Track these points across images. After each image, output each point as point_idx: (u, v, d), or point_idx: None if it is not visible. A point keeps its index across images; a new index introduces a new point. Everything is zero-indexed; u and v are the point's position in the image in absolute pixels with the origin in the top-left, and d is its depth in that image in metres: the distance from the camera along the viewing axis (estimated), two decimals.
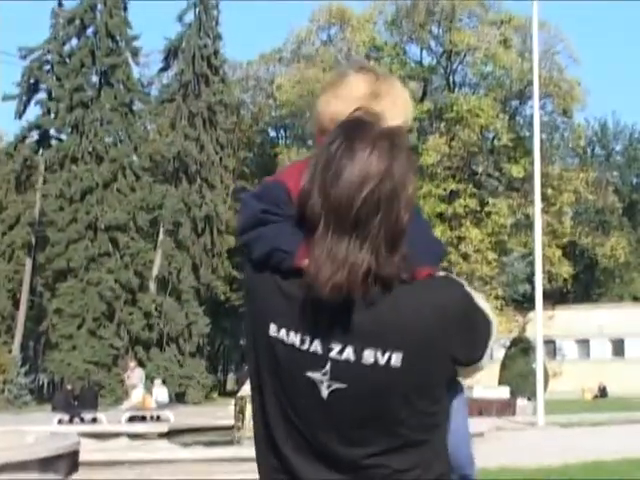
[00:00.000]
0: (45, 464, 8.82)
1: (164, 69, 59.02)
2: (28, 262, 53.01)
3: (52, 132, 54.92)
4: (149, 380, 33.49)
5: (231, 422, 13.85)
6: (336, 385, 1.87)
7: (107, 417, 20.41)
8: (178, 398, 46.66)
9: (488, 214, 53.00)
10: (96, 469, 10.40)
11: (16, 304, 52.82)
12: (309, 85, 52.80)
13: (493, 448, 14.75)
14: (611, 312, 57.93)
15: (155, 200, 52.13)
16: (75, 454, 9.79)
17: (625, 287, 69.73)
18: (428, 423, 1.92)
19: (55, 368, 48.82)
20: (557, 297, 57.76)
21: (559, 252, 54.36)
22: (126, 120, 52.57)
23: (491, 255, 51.47)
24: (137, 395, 27.69)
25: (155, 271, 52.51)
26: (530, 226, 37.47)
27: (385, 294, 1.85)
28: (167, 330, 50.93)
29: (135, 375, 29.49)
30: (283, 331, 1.92)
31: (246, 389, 13.32)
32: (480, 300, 2.00)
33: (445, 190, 52.25)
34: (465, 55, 56.01)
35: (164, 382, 35.39)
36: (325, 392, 1.88)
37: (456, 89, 57.68)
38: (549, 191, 50.86)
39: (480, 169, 55.77)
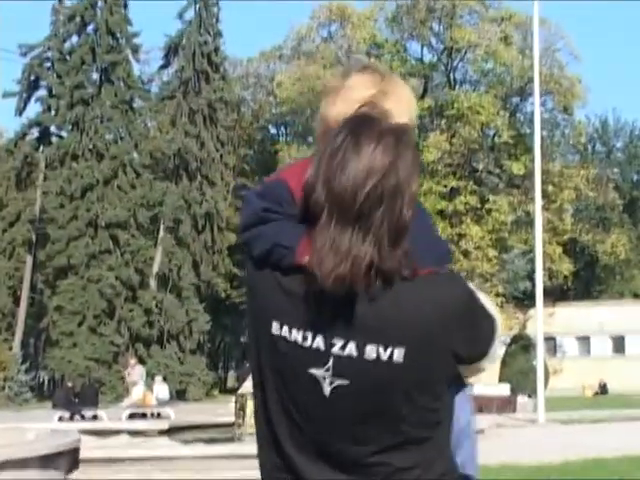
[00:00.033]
0: (45, 461, 8.83)
1: (164, 66, 59.05)
2: (28, 259, 53.02)
3: (52, 129, 54.93)
4: (150, 377, 33.50)
5: (232, 419, 13.86)
6: (338, 382, 1.87)
7: (108, 414, 20.42)
8: (179, 395, 46.69)
9: (489, 211, 53.00)
10: (96, 466, 10.40)
11: (17, 301, 52.83)
12: (309, 82, 52.79)
13: (493, 445, 14.75)
14: (611, 309, 57.91)
15: (155, 197, 52.13)
16: (75, 451, 9.80)
17: (626, 284, 69.71)
18: (430, 420, 1.92)
19: (56, 365, 48.83)
20: (557, 294, 57.74)
21: (559, 249, 54.36)
22: (126, 117, 52.56)
23: (491, 252, 51.47)
24: (137, 392, 27.69)
25: (155, 268, 52.52)
26: (531, 223, 37.46)
27: (386, 289, 1.84)
28: (167, 327, 50.94)
29: (135, 372, 29.49)
30: (285, 328, 1.92)
31: (247, 386, 13.34)
32: (484, 298, 2.00)
33: (446, 187, 52.24)
34: (466, 52, 55.99)
35: (165, 379, 35.38)
36: (327, 389, 1.88)
37: (457, 86, 57.65)
38: (550, 188, 50.87)
39: (481, 166, 55.74)
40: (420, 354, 1.86)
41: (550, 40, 52.45)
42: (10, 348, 50.39)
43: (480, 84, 57.68)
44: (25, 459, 8.50)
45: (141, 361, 39.71)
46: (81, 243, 49.73)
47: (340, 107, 2.10)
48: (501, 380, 35.23)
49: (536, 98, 28.49)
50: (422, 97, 53.09)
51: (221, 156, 55.99)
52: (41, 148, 53.96)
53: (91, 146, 51.14)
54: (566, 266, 54.63)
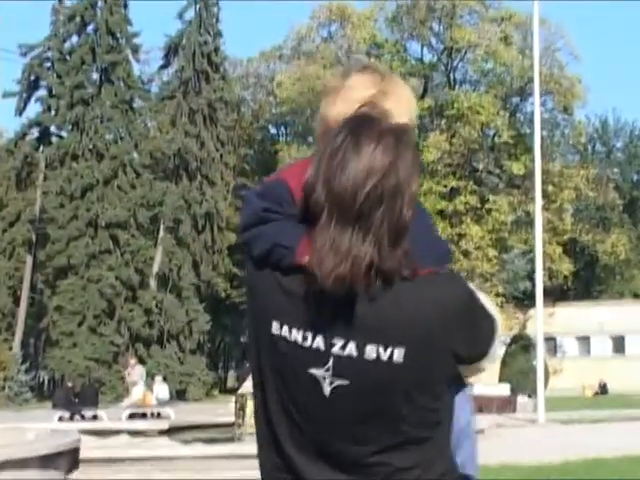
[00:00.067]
0: (45, 461, 8.83)
1: (164, 66, 59.05)
2: (28, 259, 53.03)
3: (52, 129, 54.93)
4: (149, 377, 33.50)
5: (232, 419, 13.86)
6: (338, 382, 1.87)
7: (107, 414, 20.41)
8: (179, 395, 46.69)
9: (489, 211, 53.01)
10: (96, 466, 10.40)
11: (17, 301, 52.83)
12: (309, 82, 52.80)
13: (493, 445, 14.75)
14: (612, 309, 57.90)
15: (155, 197, 52.13)
16: (75, 451, 9.80)
17: (626, 284, 69.72)
18: (430, 420, 1.92)
19: (56, 365, 48.83)
20: (557, 294, 57.74)
21: (559, 249, 54.37)
22: (126, 117, 52.56)
23: (491, 252, 51.48)
24: (137, 392, 27.70)
25: (155, 268, 52.52)
26: (531, 223, 37.46)
27: (386, 289, 1.84)
28: (167, 327, 50.94)
29: (135, 372, 29.49)
30: (285, 328, 1.92)
31: (247, 386, 13.34)
32: (484, 299, 2.00)
33: (446, 187, 52.25)
34: (466, 52, 55.99)
35: (165, 379, 35.38)
36: (327, 389, 1.88)
37: (457, 86, 57.65)
38: (550, 188, 50.87)
39: (481, 166, 55.74)
40: (420, 354, 1.86)
41: (550, 40, 52.49)
42: (10, 348, 50.39)
43: (480, 84, 57.69)
44: (25, 459, 8.50)
45: (141, 361, 39.71)
46: (81, 243, 49.74)
47: (340, 107, 2.10)
48: (501, 380, 35.24)
49: (536, 98, 28.49)
50: (422, 97, 53.08)
51: (221, 156, 56.00)
52: (41, 148, 53.96)
53: (91, 146, 51.13)
54: (566, 266, 54.63)
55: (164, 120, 56.01)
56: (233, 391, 28.01)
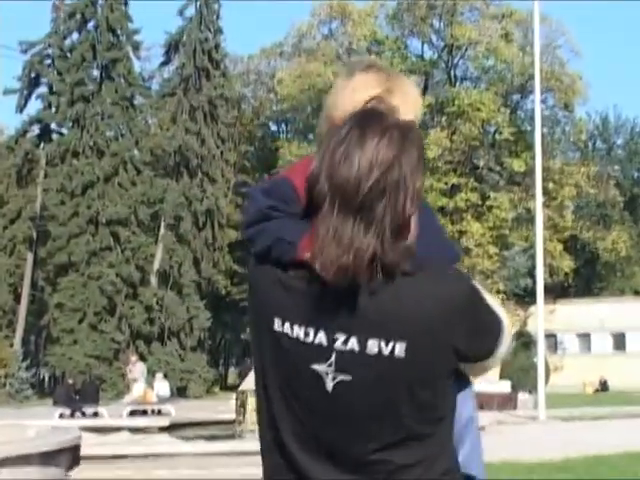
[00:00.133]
0: (46, 458, 8.83)
1: (165, 63, 59.03)
2: (29, 256, 53.03)
3: (53, 126, 54.93)
4: (150, 374, 33.48)
5: (232, 416, 13.86)
6: (341, 377, 1.87)
7: (108, 411, 20.41)
8: (179, 392, 46.69)
9: (489, 208, 53.02)
10: (97, 463, 10.41)
11: (17, 298, 52.85)
12: (310, 79, 52.84)
13: (494, 442, 14.73)
14: (612, 306, 57.90)
15: (156, 194, 52.13)
16: (76, 448, 9.80)
17: (626, 281, 69.72)
18: (432, 416, 1.92)
19: (56, 362, 48.85)
20: (558, 291, 57.76)
21: (560, 246, 54.39)
22: (127, 114, 52.56)
23: (492, 249, 51.49)
24: (138, 389, 27.72)
25: (156, 265, 52.52)
26: (531, 220, 37.45)
27: (387, 283, 1.84)
28: (168, 324, 50.95)
29: (136, 369, 29.52)
30: (287, 325, 1.92)
31: (247, 383, 13.34)
32: (494, 302, 2.00)
33: (446, 184, 52.24)
34: (466, 49, 55.98)
35: (165, 376, 35.40)
36: (330, 384, 1.88)
37: (457, 83, 57.66)
38: (550, 185, 50.87)
39: (481, 163, 55.75)
40: (421, 349, 1.85)
41: (551, 37, 52.53)
42: (11, 345, 50.41)
43: (481, 81, 57.70)
44: (26, 456, 8.50)
45: (142, 358, 39.69)
46: (82, 240, 49.74)
47: (345, 106, 2.09)
48: (502, 377, 35.23)
49: (537, 95, 28.47)
50: (423, 94, 52.59)
51: (222, 153, 55.98)
52: (42, 145, 53.95)
53: (92, 143, 51.11)
54: (567, 263, 54.65)
55: (165, 117, 56.00)
56: (234, 388, 28.05)
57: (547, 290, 30.64)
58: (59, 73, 52.94)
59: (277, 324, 1.94)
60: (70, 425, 13.88)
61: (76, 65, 52.22)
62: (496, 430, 18.43)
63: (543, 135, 33.80)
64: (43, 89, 54.70)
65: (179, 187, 53.37)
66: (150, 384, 29.91)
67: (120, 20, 53.01)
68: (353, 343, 1.86)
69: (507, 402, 29.56)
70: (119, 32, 53.54)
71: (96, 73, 53.67)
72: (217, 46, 56.80)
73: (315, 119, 55.95)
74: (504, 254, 52.74)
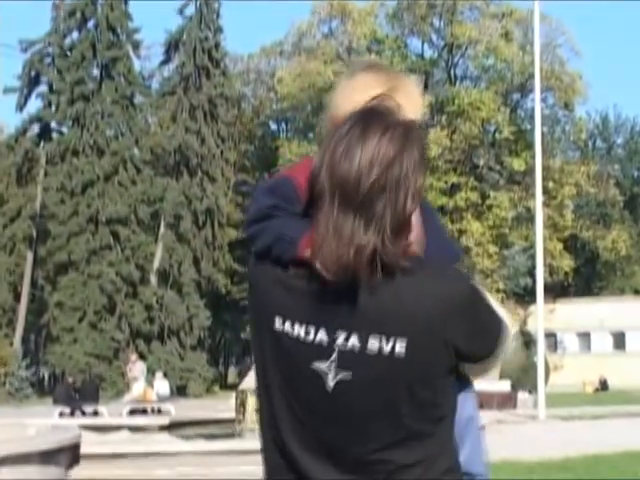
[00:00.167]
0: (46, 457, 8.82)
1: (165, 62, 59.00)
2: (29, 255, 53.03)
3: (53, 125, 54.91)
4: (150, 373, 33.52)
5: (232, 415, 13.85)
6: (342, 375, 1.87)
7: (108, 410, 20.40)
8: (179, 391, 46.67)
9: (489, 207, 53.02)
10: (97, 462, 10.40)
11: (17, 297, 52.85)
12: (310, 78, 52.83)
13: (494, 441, 14.71)
14: (612, 305, 57.93)
15: (156, 193, 52.11)
16: (76, 447, 9.79)
17: (626, 280, 69.75)
18: (432, 415, 1.92)
19: (56, 361, 48.86)
20: (558, 290, 57.76)
21: (560, 245, 54.39)
22: (127, 113, 52.54)
23: (492, 248, 51.48)
24: (138, 388, 27.74)
25: (156, 264, 52.51)
26: (531, 219, 37.45)
27: (387, 281, 1.84)
28: (168, 323, 50.94)
29: (136, 368, 29.56)
30: (287, 324, 1.92)
31: (247, 382, 13.34)
32: (496, 305, 2.00)
33: (446, 183, 52.24)
34: (466, 48, 55.96)
35: (165, 375, 35.42)
36: (331, 383, 1.88)
37: (457, 82, 57.64)
38: (550, 184, 50.86)
39: (481, 162, 55.73)
40: (421, 347, 1.85)
41: (551, 36, 52.50)
42: (11, 344, 50.41)
43: (481, 80, 57.69)
44: (26, 455, 8.49)
45: (141, 357, 39.70)
46: (82, 239, 49.73)
47: (348, 106, 2.10)
48: (502, 376, 35.25)
49: (537, 94, 28.48)
50: (422, 93, 52.98)
51: (222, 152, 55.96)
52: (42, 144, 53.92)
53: (92, 142, 51.09)
54: (567, 262, 54.66)
55: (165, 116, 55.99)
56: (234, 387, 28.07)
57: (547, 289, 30.67)
58: (59, 72, 52.91)
59: (277, 323, 1.94)
60: (70, 424, 13.87)
61: (76, 64, 52.20)
62: (496, 429, 18.43)
63: (543, 134, 33.81)
64: (43, 88, 54.72)
65: (179, 186, 53.35)
66: (150, 383, 29.94)
67: (120, 19, 53.00)
68: (354, 341, 1.86)
69: (507, 401, 29.57)
70: (119, 31, 53.52)
71: (96, 72, 53.65)
72: (217, 45, 56.78)
73: (315, 118, 56.00)
74: (504, 253, 52.74)
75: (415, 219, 1.91)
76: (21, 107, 54.40)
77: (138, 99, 55.18)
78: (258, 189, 2.14)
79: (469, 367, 2.00)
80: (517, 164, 52.70)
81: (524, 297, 49.99)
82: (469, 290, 1.93)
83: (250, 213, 2.10)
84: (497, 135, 54.73)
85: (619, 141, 79.56)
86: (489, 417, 19.65)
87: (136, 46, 54.85)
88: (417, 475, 1.89)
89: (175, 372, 48.43)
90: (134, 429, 14.26)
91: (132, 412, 19.36)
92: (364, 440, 1.89)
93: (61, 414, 19.51)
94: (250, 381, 12.44)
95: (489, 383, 30.23)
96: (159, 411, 19.60)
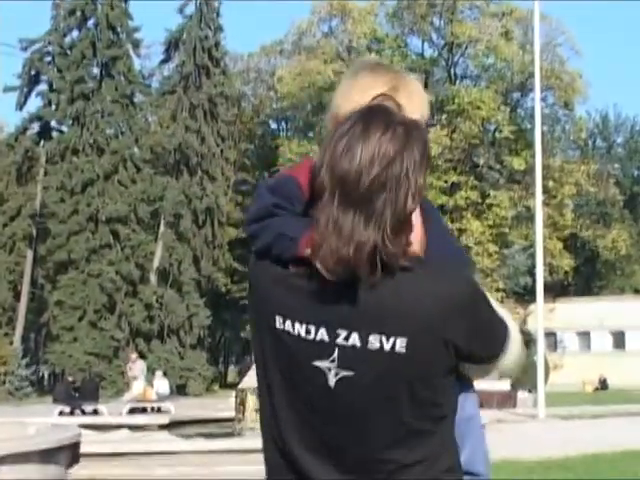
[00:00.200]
0: (46, 455, 8.82)
1: (165, 61, 59.04)
2: (29, 254, 53.03)
3: (53, 124, 54.91)
4: (150, 372, 33.49)
5: (232, 414, 13.84)
6: (343, 373, 1.87)
7: (108, 409, 20.43)
8: (179, 390, 46.69)
9: (489, 206, 53.00)
10: (97, 461, 10.40)
11: (17, 296, 52.85)
12: (310, 77, 52.82)
13: (494, 440, 14.70)
14: (612, 305, 57.89)
15: (156, 192, 52.12)
16: (76, 446, 9.79)
17: (626, 280, 69.75)
18: (433, 414, 1.92)
19: (56, 360, 48.87)
20: (558, 290, 57.77)
21: (560, 244, 54.38)
22: (127, 112, 52.55)
23: (492, 247, 51.47)
24: (138, 387, 27.74)
25: (156, 263, 52.52)
26: (531, 218, 37.44)
27: (387, 278, 1.84)
28: (168, 322, 50.95)
29: (136, 367, 29.53)
30: (288, 322, 1.92)
31: (247, 381, 13.33)
32: (502, 310, 2.01)
33: (446, 182, 52.22)
34: (466, 47, 55.94)
35: (165, 374, 35.39)
36: (332, 381, 1.88)
37: (457, 81, 57.62)
38: (550, 183, 50.85)
39: (481, 161, 55.73)
40: (421, 345, 1.85)
41: (551, 35, 52.50)
42: (11, 343, 50.42)
43: (481, 79, 57.68)
44: (25, 453, 8.49)
45: (141, 356, 39.67)
46: (82, 238, 49.74)
47: (350, 106, 2.09)
48: (502, 376, 35.24)
49: (537, 93, 28.47)
50: None
51: (222, 151, 55.98)
52: (42, 143, 53.92)
53: (92, 141, 51.11)
54: (567, 261, 54.66)
55: (165, 115, 56.00)
56: (233, 386, 28.04)
57: (547, 288, 30.66)
58: (59, 71, 52.91)
59: (278, 322, 1.94)
60: (70, 423, 13.89)
61: (76, 63, 52.21)
62: (496, 428, 18.43)
63: (543, 133, 33.78)
64: (43, 87, 54.72)
65: (179, 185, 53.36)
66: (150, 382, 29.91)
67: (120, 18, 53.00)
68: (355, 339, 1.86)
69: (507, 400, 29.55)
70: (119, 30, 53.53)
71: (96, 71, 53.67)
72: (217, 44, 56.79)
73: (315, 117, 56.01)
74: (504, 252, 52.73)
75: (415, 219, 1.91)
76: (21, 106, 54.43)
77: (138, 98, 55.22)
78: (259, 188, 2.14)
79: (469, 367, 2.00)
80: (517, 163, 52.68)
81: (524, 296, 50.00)
82: (470, 289, 1.93)
83: (251, 212, 2.10)
84: (497, 134, 54.70)
85: (619, 140, 79.63)
86: (489, 416, 19.65)
87: (136, 45, 54.86)
88: (418, 474, 1.89)
89: (175, 371, 48.45)
90: (134, 428, 14.25)
91: (132, 411, 19.40)
92: (365, 439, 1.89)
93: (61, 413, 19.55)
94: (250, 380, 12.44)
95: (489, 382, 30.25)
96: (159, 410, 19.63)
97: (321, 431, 1.92)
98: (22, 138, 53.61)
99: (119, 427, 14.22)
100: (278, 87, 57.98)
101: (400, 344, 1.84)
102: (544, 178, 34.47)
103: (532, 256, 36.29)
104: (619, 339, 58.54)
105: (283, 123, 68.15)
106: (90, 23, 53.47)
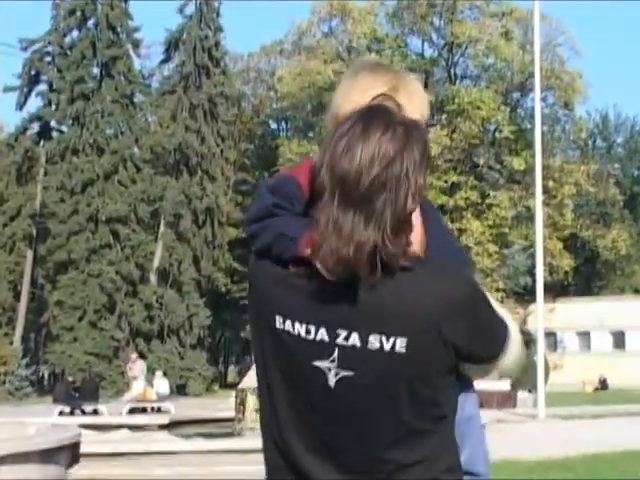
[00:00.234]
0: (46, 455, 8.82)
1: (165, 61, 59.04)
2: (29, 254, 53.03)
3: (53, 124, 54.91)
4: (150, 372, 33.49)
5: (232, 414, 13.84)
6: (343, 373, 1.87)
7: (108, 409, 20.43)
8: (179, 390, 46.69)
9: (489, 206, 52.99)
10: (97, 461, 10.40)
11: (17, 296, 52.85)
12: (310, 77, 52.82)
13: (494, 440, 14.70)
14: (612, 305, 57.89)
15: (156, 192, 52.12)
16: (76, 446, 9.79)
17: (626, 280, 69.74)
18: (433, 414, 1.92)
19: (56, 360, 48.86)
20: (558, 290, 57.77)
21: (560, 244, 54.37)
22: (127, 112, 52.55)
23: (492, 247, 51.46)
24: (138, 387, 27.73)
25: (156, 263, 52.51)
26: (531, 218, 37.44)
27: (387, 278, 1.84)
28: (168, 322, 50.95)
29: (136, 367, 29.53)
30: (288, 322, 1.92)
31: (247, 381, 13.33)
32: (503, 311, 2.01)
33: (446, 182, 52.21)
34: (466, 47, 55.93)
35: (165, 374, 35.38)
36: (332, 380, 1.88)
37: (457, 81, 57.61)
38: (550, 183, 50.84)
39: (481, 161, 55.73)
40: (421, 346, 1.85)
41: (551, 35, 52.50)
42: (11, 343, 50.42)
43: (481, 79, 57.67)
44: (25, 453, 8.49)
45: (141, 356, 39.67)
46: (81, 238, 49.74)
47: (350, 106, 2.09)
48: (501, 375, 35.22)
49: (537, 93, 28.46)
50: None
51: (222, 151, 55.98)
52: (42, 143, 53.93)
53: (92, 141, 51.11)
54: (567, 261, 54.65)
55: (165, 115, 55.99)
56: (233, 386, 28.04)
57: (547, 288, 30.65)
58: (59, 71, 52.92)
59: (278, 322, 1.94)
60: (70, 423, 13.89)
61: (76, 63, 52.21)
62: (496, 428, 18.43)
63: (543, 133, 33.77)
64: (43, 87, 54.72)
65: (179, 185, 53.36)
66: (150, 382, 29.91)
67: (120, 18, 53.00)
68: (355, 339, 1.86)
69: (507, 400, 29.55)
70: (119, 30, 53.53)
71: (96, 71, 53.67)
72: (217, 44, 56.79)
73: (315, 117, 56.01)
74: (504, 252, 52.73)
75: (415, 219, 1.91)
76: (21, 106, 54.44)
77: (138, 98, 55.22)
78: (259, 188, 2.14)
79: (469, 367, 1.99)
80: (517, 163, 52.67)
81: (524, 296, 49.99)
82: (470, 289, 1.92)
83: (251, 212, 2.10)
84: (497, 134, 54.69)
85: (619, 140, 79.63)
86: (489, 416, 19.65)
87: (136, 45, 54.87)
88: (418, 475, 1.89)
89: (175, 371, 48.45)
90: (134, 428, 14.25)
91: (132, 411, 19.40)
92: (365, 439, 1.89)
93: (61, 413, 19.55)
94: (250, 380, 12.43)
95: (489, 382, 30.25)
96: (159, 410, 19.63)
97: (321, 431, 1.91)
98: (22, 138, 53.61)
99: (119, 427, 14.22)
100: (278, 87, 57.99)
101: (400, 344, 1.84)
102: (544, 178, 34.46)
103: (532, 256, 36.28)
104: (619, 339, 58.54)
105: (283, 123, 68.17)
106: (90, 23, 53.50)
